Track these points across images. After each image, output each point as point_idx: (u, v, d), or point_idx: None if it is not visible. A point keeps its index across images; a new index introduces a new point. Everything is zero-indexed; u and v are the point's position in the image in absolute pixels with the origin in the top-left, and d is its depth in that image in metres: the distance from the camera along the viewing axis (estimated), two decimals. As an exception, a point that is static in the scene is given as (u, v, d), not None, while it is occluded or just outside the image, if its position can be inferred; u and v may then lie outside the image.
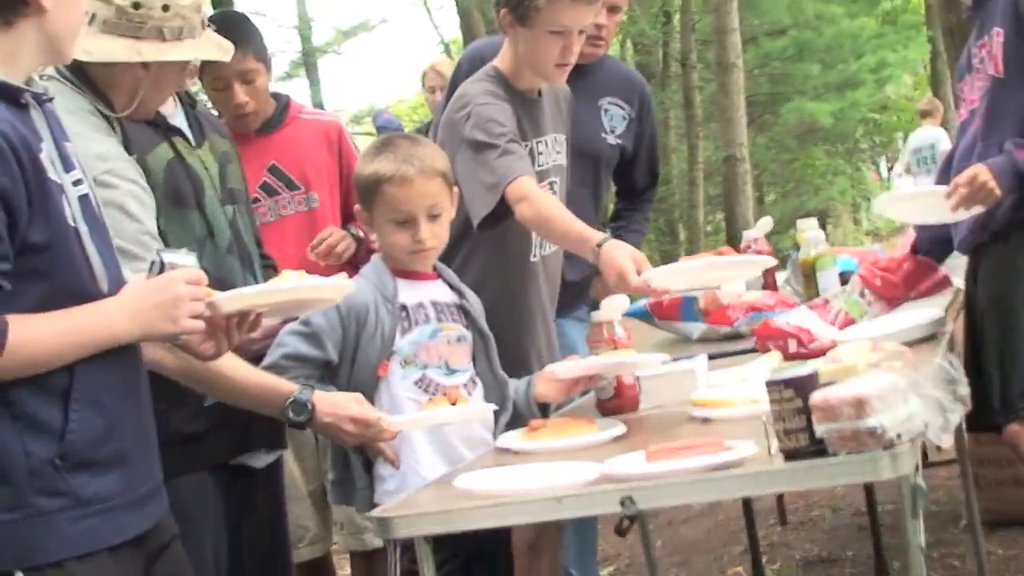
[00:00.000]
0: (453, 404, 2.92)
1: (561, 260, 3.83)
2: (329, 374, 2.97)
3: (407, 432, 2.93)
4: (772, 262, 3.68)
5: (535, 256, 3.66)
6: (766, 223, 4.57)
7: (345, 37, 22.98)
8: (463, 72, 3.97)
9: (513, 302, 3.58)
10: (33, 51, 2.21)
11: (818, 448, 2.15)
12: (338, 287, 2.61)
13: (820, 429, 2.13)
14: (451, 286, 3.15)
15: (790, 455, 2.19)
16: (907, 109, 26.33)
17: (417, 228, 3.01)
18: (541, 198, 3.37)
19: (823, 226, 20.61)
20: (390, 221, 3.03)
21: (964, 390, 2.30)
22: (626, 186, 4.67)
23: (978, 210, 3.42)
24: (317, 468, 4.04)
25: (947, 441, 2.23)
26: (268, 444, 3.24)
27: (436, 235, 3.05)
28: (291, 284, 2.50)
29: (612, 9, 4.25)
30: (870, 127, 24.65)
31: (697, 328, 4.08)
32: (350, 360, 2.95)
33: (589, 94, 4.35)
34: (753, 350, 3.61)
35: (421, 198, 3.01)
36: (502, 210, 3.37)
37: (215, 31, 2.98)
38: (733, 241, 19.91)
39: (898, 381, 2.20)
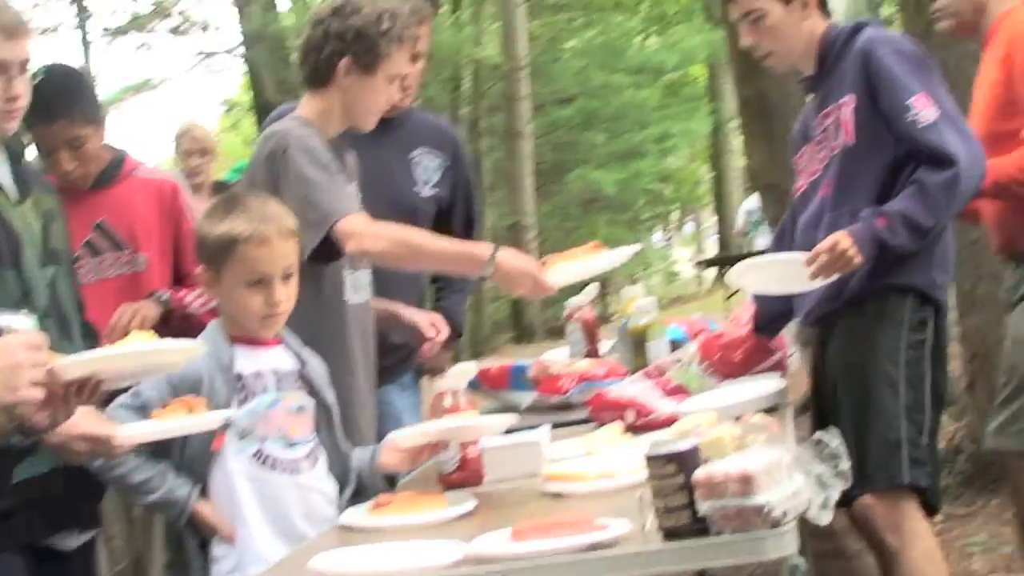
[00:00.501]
0: (190, 411, 2.72)
1: (372, 314, 3.70)
2: (160, 448, 2.78)
3: (241, 507, 2.78)
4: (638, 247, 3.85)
5: (347, 299, 3.55)
6: (592, 290, 4.54)
7: (129, 93, 22.49)
8: None
9: (332, 342, 3.42)
10: None
11: (700, 527, 2.06)
12: (187, 350, 2.48)
13: (703, 507, 2.05)
14: (293, 352, 3.00)
15: (670, 534, 2.10)
16: (687, 180, 27.08)
17: (272, 290, 2.87)
18: (390, 228, 3.33)
19: (603, 295, 21.05)
20: (243, 283, 2.87)
21: (845, 465, 2.25)
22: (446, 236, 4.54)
23: (832, 279, 3.42)
24: (125, 547, 3.81)
25: (827, 519, 2.18)
26: (81, 523, 3.01)
27: (288, 297, 2.92)
28: (137, 348, 2.34)
29: (414, 58, 4.16)
30: (652, 197, 25.17)
31: (527, 397, 4.00)
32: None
33: (399, 147, 4.24)
34: (587, 420, 3.56)
35: (279, 259, 2.89)
36: (330, 247, 3.29)
37: (42, 89, 2.79)
38: (517, 307, 20.12)
39: (783, 456, 2.14)
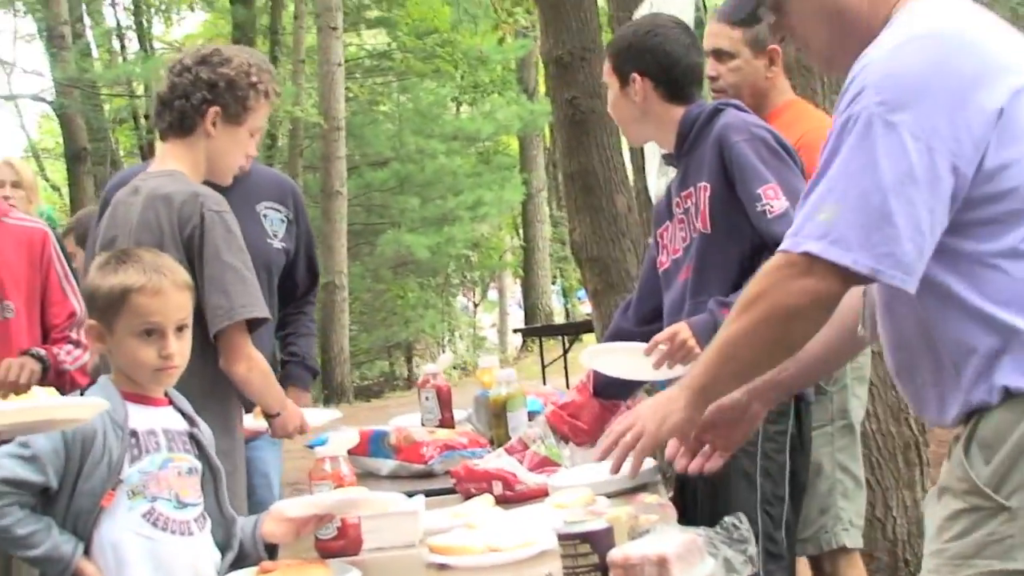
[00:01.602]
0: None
1: None
2: (46, 501, 2.68)
3: (128, 567, 2.71)
4: None
5: None
6: (446, 359, 4.56)
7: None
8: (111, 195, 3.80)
9: (218, 405, 3.43)
10: None
11: (615, 606, 2.08)
12: (89, 407, 2.45)
13: (619, 587, 2.07)
14: (183, 413, 2.93)
15: (584, 613, 2.11)
16: (496, 248, 27.33)
17: (165, 342, 2.81)
18: (263, 361, 3.49)
19: (408, 359, 20.90)
20: (136, 335, 2.80)
21: (753, 550, 2.28)
22: (289, 289, 4.48)
23: (681, 369, 3.43)
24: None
25: (734, 602, 2.21)
26: None
27: (182, 352, 2.86)
28: (38, 403, 2.29)
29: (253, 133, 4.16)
30: (462, 263, 25.34)
31: (387, 464, 3.97)
32: (71, 487, 2.68)
33: (246, 201, 4.20)
34: (451, 490, 3.55)
35: (173, 310, 2.84)
36: None
37: None
38: (326, 368, 19.95)
39: (696, 539, 2.17)
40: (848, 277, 2.14)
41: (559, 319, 25.91)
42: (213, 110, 3.44)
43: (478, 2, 19.78)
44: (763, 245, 3.34)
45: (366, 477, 3.98)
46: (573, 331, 14.93)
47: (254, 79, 3.48)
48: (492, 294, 32.13)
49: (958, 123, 2.09)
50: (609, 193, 10.78)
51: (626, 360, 3.63)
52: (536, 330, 16.75)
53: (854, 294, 2.37)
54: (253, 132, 3.53)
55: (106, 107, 19.60)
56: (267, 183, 4.38)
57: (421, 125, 20.84)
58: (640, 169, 7.96)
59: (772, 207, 3.33)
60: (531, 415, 4.12)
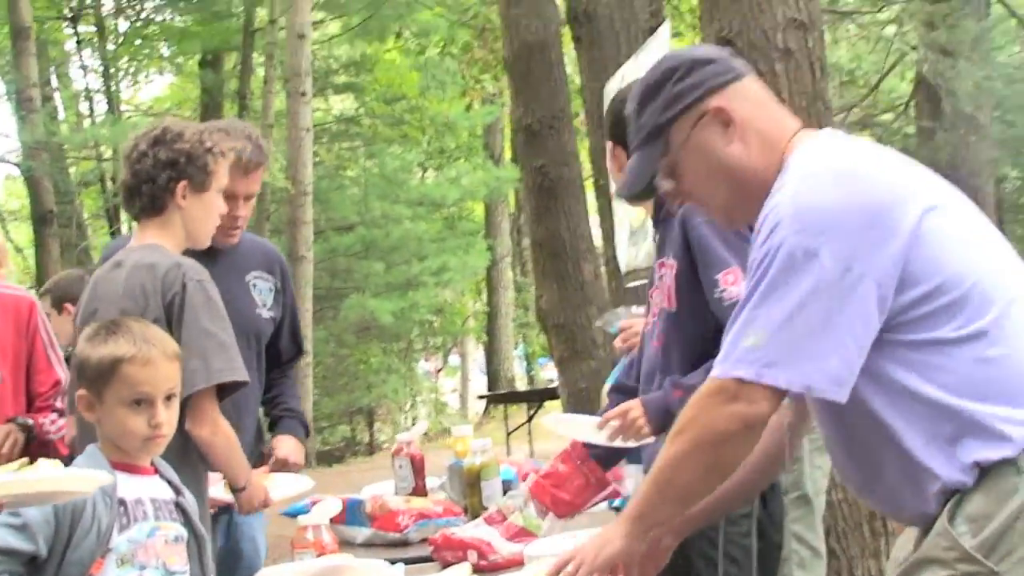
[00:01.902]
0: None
1: None
2: (34, 569, 2.71)
3: None
4: None
5: None
6: (420, 427, 4.61)
7: None
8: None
9: (194, 472, 3.48)
10: None
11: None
12: (92, 479, 2.50)
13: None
14: (169, 482, 2.97)
15: None
16: (460, 313, 27.35)
17: (155, 411, 2.87)
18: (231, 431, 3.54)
19: (370, 424, 20.78)
20: (126, 404, 2.86)
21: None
22: (272, 356, 4.54)
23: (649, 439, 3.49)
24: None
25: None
26: None
27: (170, 421, 2.93)
28: (40, 475, 2.34)
29: (247, 198, 4.23)
30: (425, 328, 25.34)
31: (362, 533, 4.01)
32: (60, 556, 2.71)
33: (236, 271, 4.31)
34: (427, 559, 3.59)
35: (162, 380, 2.90)
36: None
37: None
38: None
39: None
40: (778, 397, 2.28)
41: (521, 385, 25.96)
42: (180, 185, 3.56)
43: (446, 69, 19.90)
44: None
45: (341, 545, 4.00)
46: (538, 398, 15.00)
47: (208, 145, 3.61)
48: (453, 359, 32.12)
49: (873, 243, 2.25)
50: (576, 260, 10.90)
51: (585, 429, 3.71)
52: (501, 396, 16.78)
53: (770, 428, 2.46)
54: (220, 191, 3.66)
55: (72, 170, 19.59)
56: (256, 253, 4.46)
57: (387, 190, 20.89)
58: (610, 237, 8.05)
59: (729, 293, 3.35)
60: (505, 484, 4.17)
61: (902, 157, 2.53)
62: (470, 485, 4.14)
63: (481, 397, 18.77)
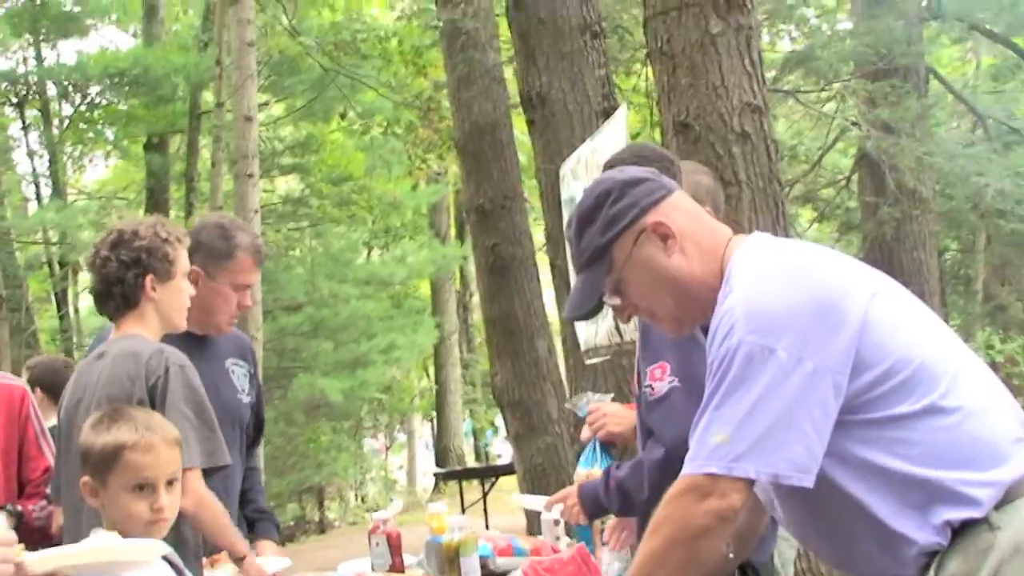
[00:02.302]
0: None
1: None
2: None
3: None
4: None
5: None
6: (397, 505, 4.68)
7: None
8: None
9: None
10: None
11: None
12: (149, 548, 2.65)
13: None
14: (171, 564, 3.05)
15: None
16: (408, 390, 27.38)
17: (157, 496, 2.98)
18: (216, 503, 3.67)
19: (320, 502, 20.61)
20: (129, 489, 2.97)
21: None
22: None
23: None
24: None
25: None
26: None
27: (172, 505, 3.04)
28: (100, 545, 2.50)
29: (244, 287, 4.36)
30: (374, 406, 25.37)
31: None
32: None
33: (217, 358, 4.44)
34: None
35: (164, 464, 3.02)
36: None
37: None
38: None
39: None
40: (748, 489, 2.42)
41: (470, 461, 25.98)
42: (148, 279, 3.73)
43: (391, 148, 20.07)
44: None
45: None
46: (492, 474, 15.03)
47: (164, 235, 3.78)
48: (400, 436, 32.14)
49: (825, 335, 2.41)
50: (530, 337, 11.07)
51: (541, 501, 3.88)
52: (456, 473, 16.81)
53: None
54: (184, 274, 3.84)
55: (19, 254, 19.56)
56: (230, 339, 4.57)
57: (334, 270, 20.99)
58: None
59: (653, 389, 3.42)
60: (483, 560, 4.26)
61: (833, 251, 2.71)
62: (449, 561, 4.22)
63: (437, 474, 18.78)
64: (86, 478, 3.02)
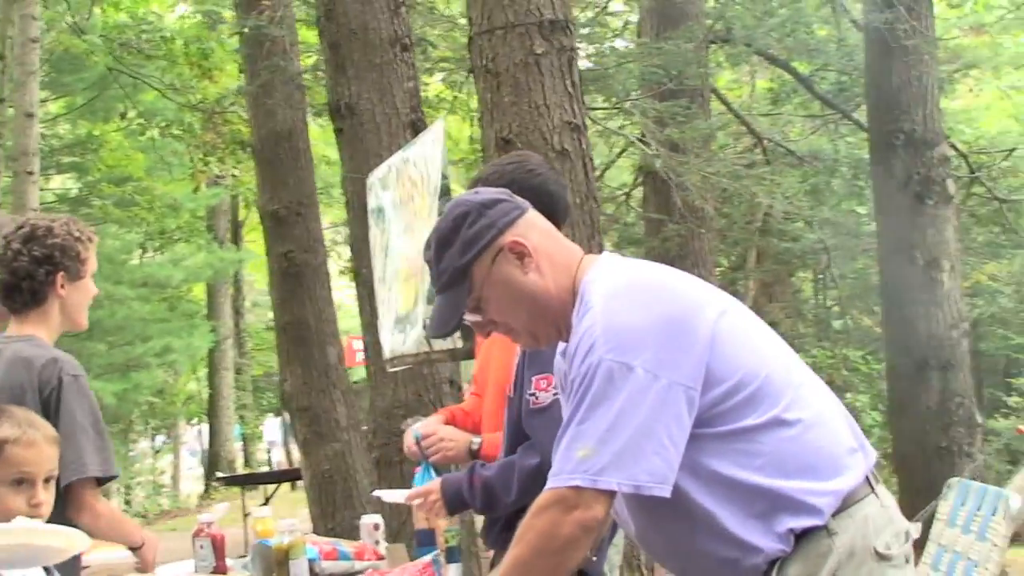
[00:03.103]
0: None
1: None
2: None
3: None
4: None
5: None
6: (221, 509, 4.69)
7: None
8: None
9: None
10: None
11: None
12: (69, 536, 2.68)
13: None
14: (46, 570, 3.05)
15: None
16: (180, 394, 26.96)
17: (35, 491, 2.97)
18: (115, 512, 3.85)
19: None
20: (8, 484, 2.95)
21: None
22: None
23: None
24: None
25: None
26: None
27: (49, 502, 3.02)
28: (22, 525, 2.49)
29: None
30: (145, 410, 24.90)
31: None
32: None
33: None
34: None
35: (45, 461, 3.01)
36: None
37: None
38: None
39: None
40: (610, 500, 2.54)
41: (239, 465, 25.75)
42: (59, 276, 3.72)
43: (173, 150, 19.79)
44: None
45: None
46: (276, 479, 14.95)
47: (76, 234, 3.78)
48: (160, 440, 31.69)
49: (678, 352, 2.55)
50: (321, 344, 11.10)
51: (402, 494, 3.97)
52: (242, 478, 16.62)
53: None
54: (92, 275, 3.85)
55: None
56: None
57: (109, 271, 20.55)
58: (369, 325, 8.26)
59: (536, 398, 3.52)
60: (311, 563, 4.32)
61: (678, 271, 2.84)
62: (279, 564, 4.26)
63: (221, 478, 18.51)
64: None
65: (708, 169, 10.84)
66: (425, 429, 4.11)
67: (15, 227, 3.81)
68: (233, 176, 21.62)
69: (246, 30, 10.41)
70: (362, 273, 8.23)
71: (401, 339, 6.90)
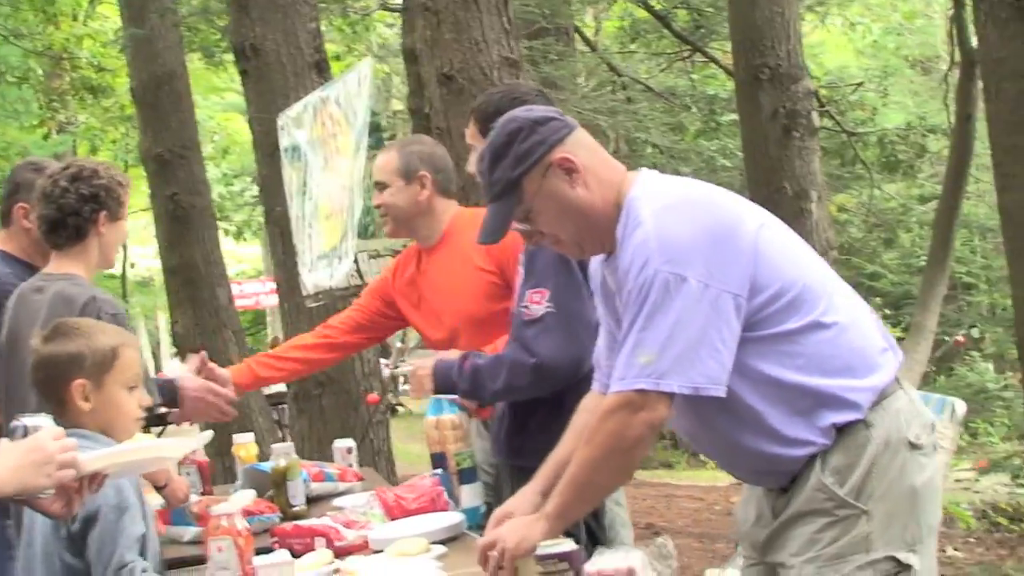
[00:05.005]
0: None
1: None
2: None
3: None
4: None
5: None
6: (207, 435, 4.80)
7: None
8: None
9: None
10: None
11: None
12: (183, 445, 2.89)
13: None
14: None
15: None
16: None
17: (141, 393, 3.17)
18: None
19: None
20: (125, 387, 3.12)
21: (675, 563, 2.87)
22: None
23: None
24: None
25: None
26: None
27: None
28: (139, 444, 2.72)
29: None
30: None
31: (189, 531, 4.22)
32: None
33: None
34: (268, 550, 3.88)
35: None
36: None
37: None
38: None
39: (643, 555, 2.75)
40: (670, 401, 2.77)
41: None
42: (102, 215, 3.94)
43: (20, 98, 19.28)
44: None
45: (167, 544, 4.22)
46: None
47: (118, 179, 4.01)
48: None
49: (726, 262, 2.77)
50: (211, 286, 11.16)
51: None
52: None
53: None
54: (127, 218, 4.08)
55: None
56: None
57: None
58: (283, 263, 8.38)
59: (528, 310, 3.78)
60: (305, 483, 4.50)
61: (715, 186, 3.06)
62: (276, 485, 4.42)
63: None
64: (80, 381, 3.08)
65: (587, 107, 11.10)
66: (416, 361, 4.32)
67: (60, 167, 4.00)
68: (82, 123, 21.22)
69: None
70: (274, 212, 8.33)
71: (328, 274, 7.04)
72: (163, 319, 33.12)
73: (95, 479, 2.58)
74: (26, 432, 2.52)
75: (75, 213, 3.92)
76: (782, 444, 2.85)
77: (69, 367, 3.10)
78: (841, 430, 2.84)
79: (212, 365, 4.66)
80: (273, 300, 29.13)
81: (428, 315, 4.45)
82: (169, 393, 4.41)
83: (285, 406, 12.38)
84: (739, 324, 2.78)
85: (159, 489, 3.91)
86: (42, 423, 2.56)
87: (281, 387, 11.23)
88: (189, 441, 2.93)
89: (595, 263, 3.16)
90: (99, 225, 3.96)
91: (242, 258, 33.90)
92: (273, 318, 31.93)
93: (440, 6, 5.78)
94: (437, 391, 3.96)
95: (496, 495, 4.04)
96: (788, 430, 2.84)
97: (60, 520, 2.87)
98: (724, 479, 13.97)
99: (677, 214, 2.82)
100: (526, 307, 3.78)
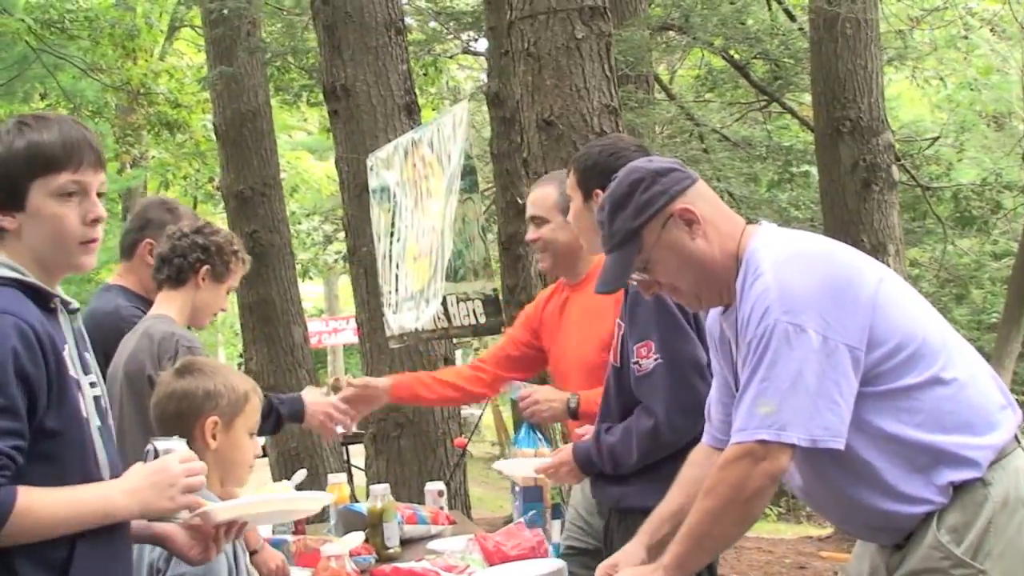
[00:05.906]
0: None
1: None
2: None
3: None
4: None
5: None
6: (301, 474, 4.82)
7: None
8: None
9: None
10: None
11: None
12: (319, 499, 2.87)
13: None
14: None
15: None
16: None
17: (256, 442, 3.21)
18: None
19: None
20: (248, 432, 3.17)
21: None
22: None
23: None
24: None
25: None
26: None
27: None
28: (279, 496, 2.62)
29: None
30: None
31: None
32: None
33: None
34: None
35: None
36: None
37: None
38: None
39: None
40: (792, 453, 2.75)
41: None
42: (204, 268, 4.08)
43: (96, 132, 19.46)
44: None
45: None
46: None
47: (235, 248, 4.16)
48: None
49: (844, 315, 2.76)
50: (287, 324, 11.23)
51: (527, 470, 4.16)
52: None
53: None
54: (229, 290, 4.21)
55: None
56: None
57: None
58: (365, 303, 8.42)
59: (640, 365, 3.75)
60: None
61: (832, 240, 3.04)
62: (373, 527, 4.43)
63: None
64: (214, 418, 3.10)
65: (666, 155, 11.05)
66: (523, 392, 4.33)
67: (193, 219, 4.28)
68: (154, 158, 21.48)
69: (226, 12, 10.44)
70: (360, 252, 8.37)
71: (414, 316, 7.03)
72: (222, 353, 33.29)
73: (231, 527, 2.61)
74: (156, 454, 2.54)
75: (182, 256, 4.06)
76: (899, 501, 2.83)
77: (205, 403, 3.12)
78: (958, 488, 2.81)
79: (366, 378, 4.93)
80: (334, 340, 29.48)
81: (561, 347, 4.46)
82: (294, 408, 4.68)
83: (351, 446, 12.39)
84: (857, 377, 2.76)
85: (251, 554, 3.89)
86: (174, 447, 2.56)
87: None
88: (322, 495, 2.93)
89: (712, 316, 3.16)
90: (200, 276, 4.09)
91: (305, 297, 34.10)
92: (334, 357, 32.11)
93: (543, 52, 5.80)
94: (585, 475, 3.98)
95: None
96: (905, 487, 2.82)
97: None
98: (789, 532, 13.85)
99: (797, 266, 2.82)
100: (637, 363, 3.77)
